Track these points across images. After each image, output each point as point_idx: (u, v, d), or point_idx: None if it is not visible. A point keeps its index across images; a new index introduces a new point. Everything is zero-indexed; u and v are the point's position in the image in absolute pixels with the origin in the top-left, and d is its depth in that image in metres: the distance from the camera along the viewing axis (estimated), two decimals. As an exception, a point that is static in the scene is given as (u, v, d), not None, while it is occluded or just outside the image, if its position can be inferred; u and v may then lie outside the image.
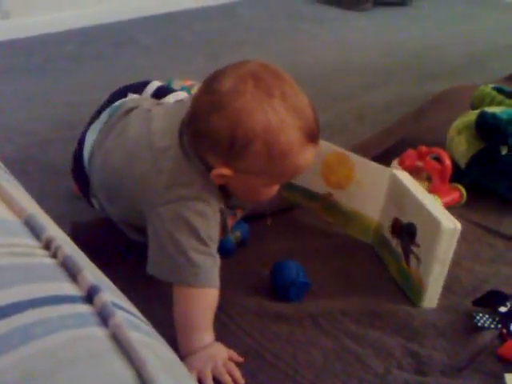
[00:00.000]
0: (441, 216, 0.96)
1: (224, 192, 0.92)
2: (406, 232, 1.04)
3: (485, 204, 1.29)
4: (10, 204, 0.41)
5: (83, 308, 0.35)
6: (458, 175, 1.28)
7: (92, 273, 0.38)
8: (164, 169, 0.90)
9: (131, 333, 0.34)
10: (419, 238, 1.00)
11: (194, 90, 1.78)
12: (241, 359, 0.89)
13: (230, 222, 1.02)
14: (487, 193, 1.30)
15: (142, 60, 2.12)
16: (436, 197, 1.22)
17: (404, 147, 1.32)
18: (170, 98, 1.10)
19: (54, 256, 0.38)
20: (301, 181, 1.18)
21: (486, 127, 1.28)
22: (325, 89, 1.87)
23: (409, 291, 1.03)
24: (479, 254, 1.15)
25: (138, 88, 1.14)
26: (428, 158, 1.26)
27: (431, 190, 1.24)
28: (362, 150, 1.31)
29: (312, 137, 0.87)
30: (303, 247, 1.13)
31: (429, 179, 1.26)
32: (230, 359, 0.89)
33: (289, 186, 1.18)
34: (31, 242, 0.39)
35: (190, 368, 0.85)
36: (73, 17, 2.37)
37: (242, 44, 2.29)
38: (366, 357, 0.90)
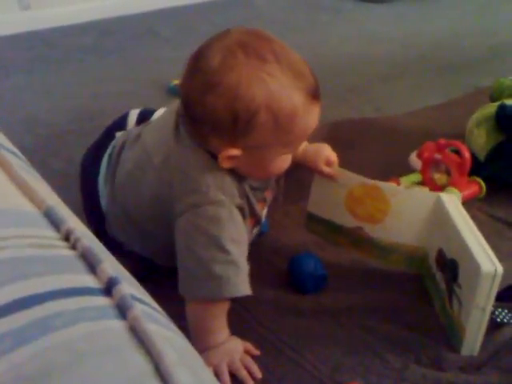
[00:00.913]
0: (481, 256, 0.85)
1: (238, 178, 0.88)
2: (449, 268, 0.93)
3: (504, 197, 1.27)
4: (30, 195, 0.41)
5: (102, 300, 0.36)
6: (477, 168, 1.27)
7: (111, 265, 0.38)
8: (172, 181, 0.86)
9: (149, 325, 0.34)
10: (461, 279, 0.90)
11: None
12: (257, 352, 0.89)
13: (260, 207, 0.97)
14: (507, 186, 1.28)
15: (161, 52, 2.13)
16: (455, 190, 1.21)
17: (422, 139, 1.31)
18: (156, 116, 1.05)
19: (74, 248, 0.39)
20: (324, 212, 1.07)
21: (506, 119, 1.27)
22: (343, 80, 1.86)
23: (451, 335, 0.93)
24: (499, 248, 1.14)
25: (121, 124, 1.08)
26: (447, 151, 1.24)
27: (450, 183, 1.23)
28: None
29: (314, 94, 0.82)
30: (321, 240, 1.12)
31: (448, 172, 1.25)
32: (247, 352, 0.89)
33: (311, 218, 1.09)
34: (51, 233, 0.39)
35: (206, 364, 0.84)
36: (92, 8, 2.37)
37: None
38: (384, 351, 0.90)
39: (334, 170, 1.03)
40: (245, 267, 0.86)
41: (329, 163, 1.03)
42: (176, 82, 1.76)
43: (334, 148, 1.04)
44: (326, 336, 0.93)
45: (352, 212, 1.04)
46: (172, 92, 1.74)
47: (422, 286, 1.03)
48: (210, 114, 0.79)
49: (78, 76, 1.93)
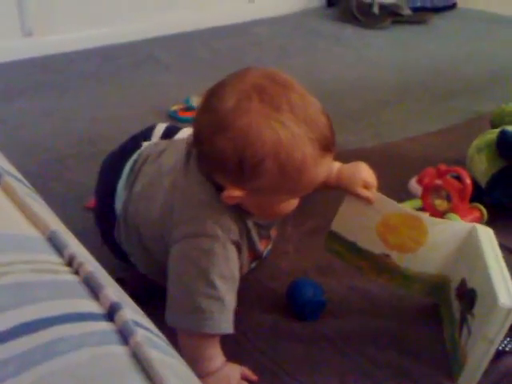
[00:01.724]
0: (502, 289, 0.82)
1: (242, 213, 0.87)
2: (467, 298, 0.91)
3: (506, 224, 1.27)
4: (34, 221, 0.42)
5: (104, 325, 0.36)
6: (479, 194, 1.27)
7: (113, 290, 0.39)
8: (174, 205, 0.86)
9: (151, 351, 0.34)
10: (476, 309, 0.87)
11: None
12: (255, 377, 0.89)
13: (264, 244, 0.97)
14: (508, 212, 1.29)
15: (161, 77, 2.15)
16: (455, 216, 1.21)
17: (423, 165, 1.32)
18: (180, 135, 1.06)
19: (77, 273, 0.39)
20: (349, 233, 1.02)
21: (507, 145, 1.27)
22: (341, 106, 1.88)
23: (453, 363, 0.91)
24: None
25: (147, 134, 1.08)
26: (448, 177, 1.25)
27: (451, 209, 1.23)
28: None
29: (327, 146, 0.81)
30: (321, 266, 1.12)
31: (448, 198, 1.26)
32: (244, 377, 0.88)
33: (333, 237, 1.03)
34: (54, 258, 0.40)
35: None
36: (94, 35, 2.40)
37: (258, 61, 2.30)
38: (383, 380, 0.89)
39: (372, 194, 0.97)
40: (230, 305, 0.85)
41: (367, 186, 0.97)
42: (175, 107, 1.78)
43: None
44: (324, 363, 0.92)
45: (383, 238, 0.99)
46: (172, 117, 1.75)
47: (424, 313, 1.02)
48: (218, 153, 0.79)
49: (79, 101, 1.94)
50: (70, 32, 2.36)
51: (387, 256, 0.99)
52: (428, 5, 2.91)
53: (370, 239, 1.00)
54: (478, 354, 0.85)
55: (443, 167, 1.25)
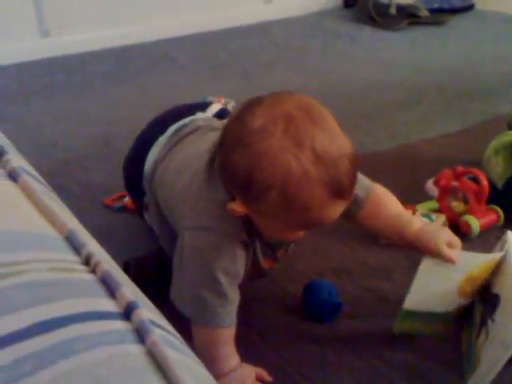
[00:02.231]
0: None
1: (252, 226, 0.86)
2: (490, 303, 0.88)
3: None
4: (52, 220, 0.42)
5: (121, 324, 0.36)
6: (495, 196, 1.26)
7: (130, 289, 0.39)
8: (192, 192, 0.88)
9: (168, 351, 0.34)
10: (498, 314, 0.85)
11: (230, 105, 1.79)
12: (270, 379, 0.89)
13: (267, 264, 0.97)
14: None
15: (177, 78, 2.15)
16: (472, 218, 1.20)
17: (439, 166, 1.31)
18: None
19: (94, 271, 0.39)
20: (424, 304, 0.92)
21: (524, 148, 1.26)
22: (357, 107, 1.87)
23: (466, 365, 0.90)
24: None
25: (202, 107, 1.11)
26: (464, 179, 1.24)
27: (468, 211, 1.22)
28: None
29: (339, 193, 0.77)
30: (336, 267, 1.12)
31: (465, 200, 1.25)
32: (259, 378, 0.88)
33: (407, 315, 0.93)
34: (71, 257, 0.40)
35: None
36: (111, 36, 2.41)
37: (275, 63, 2.30)
38: (398, 381, 0.89)
39: (456, 253, 0.87)
40: (233, 300, 0.86)
41: (451, 245, 0.88)
42: (192, 108, 1.78)
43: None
44: (339, 364, 0.92)
45: (463, 294, 0.91)
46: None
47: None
48: (231, 167, 0.79)
49: (96, 102, 1.95)
50: (87, 32, 2.38)
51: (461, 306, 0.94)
52: (445, 6, 2.89)
53: (450, 300, 0.92)
54: (491, 358, 0.83)
55: (460, 169, 1.24)
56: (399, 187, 1.36)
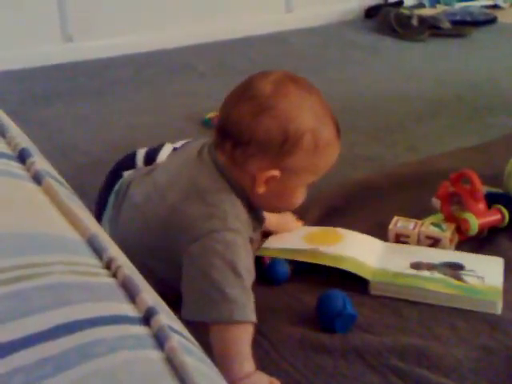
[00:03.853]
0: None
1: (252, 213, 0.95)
2: (451, 268, 1.10)
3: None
4: (75, 223, 0.42)
5: (140, 329, 0.36)
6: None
7: (150, 294, 0.39)
8: (185, 211, 0.90)
9: (186, 358, 0.34)
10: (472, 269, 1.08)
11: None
12: (283, 388, 0.89)
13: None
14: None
15: (196, 86, 2.16)
16: (470, 214, 1.19)
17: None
18: (162, 157, 1.11)
19: (114, 276, 0.39)
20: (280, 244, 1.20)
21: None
22: (376, 118, 1.86)
23: (481, 302, 1.04)
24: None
25: (128, 162, 1.13)
26: (460, 183, 1.25)
27: (467, 209, 1.21)
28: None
29: (338, 131, 0.95)
30: (351, 279, 1.11)
31: (460, 202, 1.24)
32: (272, 388, 0.88)
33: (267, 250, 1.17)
34: (93, 261, 0.40)
35: None
36: (132, 42, 2.44)
37: (294, 72, 2.30)
38: (412, 395, 0.88)
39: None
40: (252, 296, 0.89)
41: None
42: (210, 115, 1.79)
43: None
44: (353, 377, 0.91)
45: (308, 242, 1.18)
46: (206, 125, 1.76)
47: (454, 333, 1.00)
48: (261, 133, 0.88)
49: (117, 107, 1.97)
50: (109, 38, 2.40)
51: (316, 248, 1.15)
52: (468, 18, 2.88)
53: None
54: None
55: (454, 175, 1.25)
56: (417, 200, 1.36)
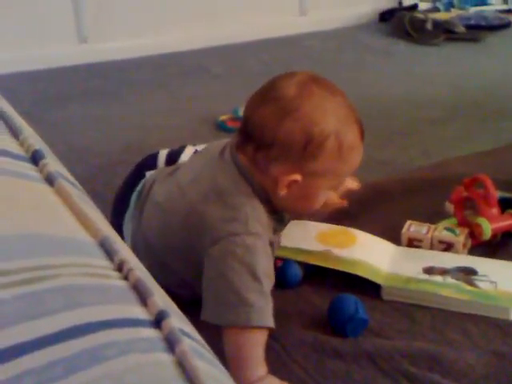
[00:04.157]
0: None
1: (274, 215, 0.94)
2: (464, 272, 1.10)
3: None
4: (87, 225, 0.43)
5: (151, 332, 0.36)
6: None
7: (161, 297, 0.39)
8: (205, 211, 0.90)
9: (197, 361, 0.34)
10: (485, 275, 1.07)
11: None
12: (295, 393, 0.88)
13: None
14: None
15: (210, 87, 2.17)
16: (483, 219, 1.18)
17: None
18: (184, 158, 1.10)
19: (126, 278, 0.39)
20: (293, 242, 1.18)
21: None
22: (390, 122, 1.86)
23: (493, 307, 1.04)
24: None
25: (150, 162, 1.14)
26: (473, 188, 1.24)
27: (480, 214, 1.20)
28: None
29: (362, 133, 0.93)
30: (363, 282, 1.11)
31: (473, 207, 1.23)
32: (284, 392, 0.88)
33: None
34: (104, 263, 0.40)
35: None
36: (147, 44, 2.45)
37: (309, 75, 2.30)
38: (424, 400, 0.87)
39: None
40: (271, 301, 0.88)
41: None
42: (224, 117, 1.79)
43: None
44: (365, 381, 0.91)
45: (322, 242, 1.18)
46: (220, 127, 1.77)
47: (468, 338, 0.99)
48: (284, 136, 0.87)
49: (131, 108, 1.98)
50: (124, 40, 2.41)
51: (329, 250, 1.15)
52: (482, 23, 2.85)
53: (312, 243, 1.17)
54: None
55: (467, 180, 1.25)
56: (430, 204, 1.35)
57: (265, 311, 0.86)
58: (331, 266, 1.11)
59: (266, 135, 0.87)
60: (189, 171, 1.00)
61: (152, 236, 0.99)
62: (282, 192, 0.90)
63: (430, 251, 1.18)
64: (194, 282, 0.92)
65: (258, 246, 0.87)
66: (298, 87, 0.88)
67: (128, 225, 1.05)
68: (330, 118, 0.88)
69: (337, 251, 1.13)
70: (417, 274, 1.10)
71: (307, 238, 1.17)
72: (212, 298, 0.88)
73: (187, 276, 0.96)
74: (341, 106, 0.90)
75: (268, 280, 0.88)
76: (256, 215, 0.89)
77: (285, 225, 1.04)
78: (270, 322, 0.86)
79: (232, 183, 0.91)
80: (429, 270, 1.11)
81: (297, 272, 1.10)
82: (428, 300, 1.07)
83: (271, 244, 0.92)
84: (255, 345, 0.87)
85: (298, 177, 0.88)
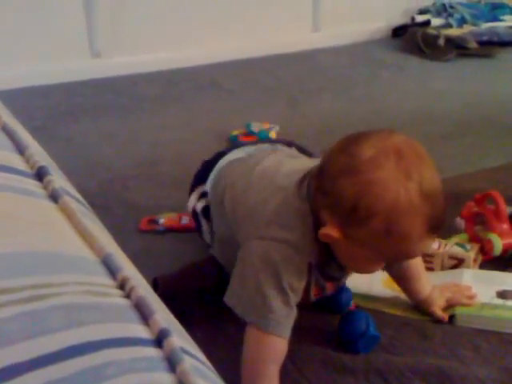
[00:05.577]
0: None
1: (328, 253, 0.91)
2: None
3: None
4: (90, 242, 0.42)
5: (153, 351, 0.36)
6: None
7: (163, 316, 0.39)
8: (271, 205, 0.91)
9: (198, 381, 0.34)
10: None
11: (273, 133, 1.79)
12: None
13: (314, 292, 1.00)
14: None
15: (223, 103, 2.17)
16: (494, 235, 1.18)
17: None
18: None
19: (128, 296, 0.39)
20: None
21: None
22: (403, 138, 1.85)
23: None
24: None
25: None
26: (485, 203, 1.24)
27: (491, 230, 1.20)
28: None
29: (436, 227, 0.85)
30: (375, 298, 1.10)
31: (484, 223, 1.23)
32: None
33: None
34: (107, 281, 0.40)
35: None
36: (160, 59, 2.46)
37: (321, 90, 2.31)
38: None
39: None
40: (294, 314, 0.88)
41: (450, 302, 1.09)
42: (236, 132, 1.79)
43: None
44: (374, 397, 0.90)
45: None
46: (233, 142, 1.77)
47: (478, 354, 0.98)
48: (337, 192, 0.84)
49: (143, 123, 1.99)
50: (137, 55, 2.43)
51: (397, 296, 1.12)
52: (495, 39, 2.84)
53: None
54: None
55: (479, 196, 1.25)
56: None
57: (282, 321, 0.87)
58: (403, 314, 1.09)
59: (324, 182, 0.86)
60: (289, 165, 0.99)
61: (233, 199, 1.01)
62: (321, 240, 0.88)
63: (499, 273, 1.17)
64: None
65: (294, 261, 0.87)
66: (376, 152, 0.82)
67: (235, 153, 1.10)
68: (387, 197, 0.81)
69: (404, 296, 1.11)
70: (490, 298, 1.08)
71: (374, 282, 1.14)
72: (239, 287, 0.89)
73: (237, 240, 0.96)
74: (409, 192, 0.81)
75: (293, 294, 0.88)
76: (306, 234, 0.88)
77: (342, 273, 1.01)
78: (286, 334, 0.87)
79: (301, 204, 0.90)
80: (502, 294, 1.09)
81: (349, 295, 1.10)
82: (504, 326, 1.05)
83: (310, 269, 0.91)
84: (272, 358, 0.88)
85: (336, 235, 0.85)
